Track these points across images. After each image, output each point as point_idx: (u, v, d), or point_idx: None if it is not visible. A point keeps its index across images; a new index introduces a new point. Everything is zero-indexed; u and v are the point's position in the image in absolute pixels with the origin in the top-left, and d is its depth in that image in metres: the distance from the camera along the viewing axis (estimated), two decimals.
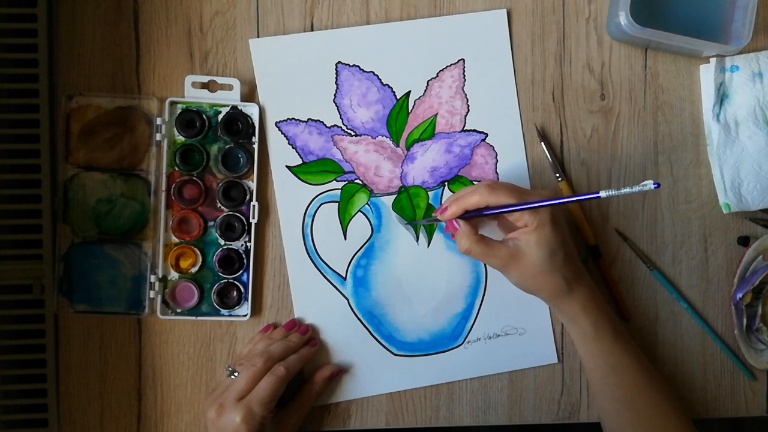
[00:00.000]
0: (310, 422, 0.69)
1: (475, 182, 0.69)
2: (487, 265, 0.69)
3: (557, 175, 0.69)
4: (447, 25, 0.69)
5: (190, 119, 0.67)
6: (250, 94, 0.68)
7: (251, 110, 0.68)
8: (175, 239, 0.67)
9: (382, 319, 0.69)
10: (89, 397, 0.68)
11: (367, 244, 0.69)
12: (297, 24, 0.69)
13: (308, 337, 0.68)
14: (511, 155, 0.69)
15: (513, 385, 0.70)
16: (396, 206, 0.69)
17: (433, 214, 0.63)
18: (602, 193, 0.54)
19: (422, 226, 0.69)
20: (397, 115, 0.69)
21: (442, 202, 0.65)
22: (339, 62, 0.69)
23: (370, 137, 0.69)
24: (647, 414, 0.63)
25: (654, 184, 0.52)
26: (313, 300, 0.69)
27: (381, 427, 0.70)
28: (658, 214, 0.70)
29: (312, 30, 0.69)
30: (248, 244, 0.68)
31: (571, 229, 0.70)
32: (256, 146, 0.68)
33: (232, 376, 0.63)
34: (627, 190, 0.53)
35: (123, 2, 0.68)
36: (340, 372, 0.68)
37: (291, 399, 0.66)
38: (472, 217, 0.61)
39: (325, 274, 0.69)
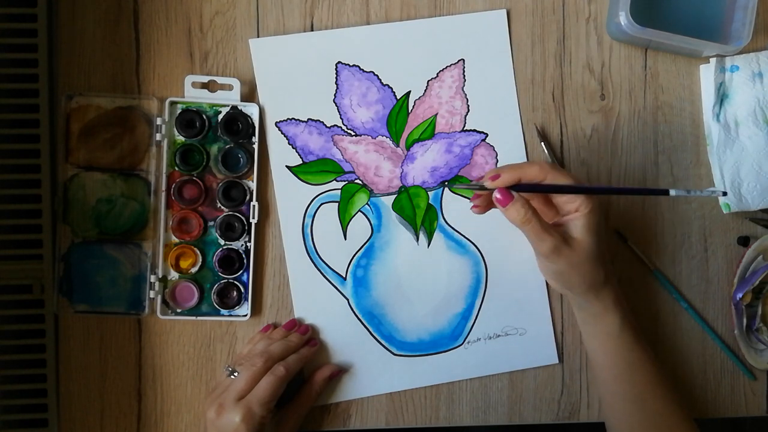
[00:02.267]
0: (310, 422, 0.69)
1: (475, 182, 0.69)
2: (491, 267, 0.69)
3: None
4: (447, 25, 0.69)
5: (190, 119, 0.67)
6: (250, 94, 0.68)
7: (251, 110, 0.68)
8: (175, 239, 0.67)
9: (382, 319, 0.69)
10: (89, 397, 0.68)
11: (367, 244, 0.69)
12: (297, 24, 0.69)
13: (308, 337, 0.68)
14: (511, 155, 0.69)
15: (513, 385, 0.70)
16: (396, 206, 0.69)
17: (480, 180, 0.59)
18: (672, 192, 0.54)
19: (422, 226, 0.69)
20: (397, 115, 0.69)
21: (487, 171, 0.60)
22: (339, 62, 0.69)
23: (370, 137, 0.69)
24: (659, 415, 0.63)
25: (723, 191, 0.52)
26: (313, 300, 0.69)
27: (381, 427, 0.70)
28: (658, 214, 0.70)
29: (312, 30, 0.69)
30: (248, 244, 0.68)
31: None
32: (256, 146, 0.68)
33: (232, 376, 0.63)
34: (697, 192, 0.54)
35: (123, 2, 0.68)
36: (340, 372, 0.68)
37: (291, 399, 0.66)
38: (522, 191, 0.58)
39: (325, 274, 0.69)
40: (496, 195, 0.58)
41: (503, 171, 0.58)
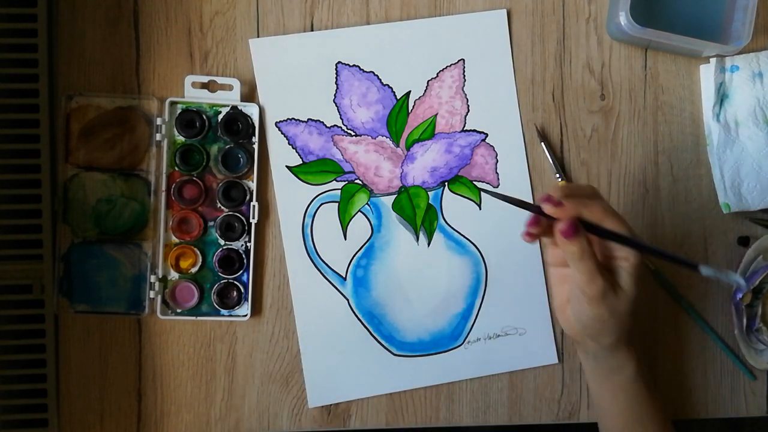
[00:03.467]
0: (310, 422, 0.69)
1: (475, 183, 0.69)
2: (491, 267, 0.69)
3: (557, 175, 0.69)
4: (447, 25, 0.69)
5: (190, 119, 0.67)
6: (250, 94, 0.68)
7: (251, 110, 0.68)
8: (175, 239, 0.67)
9: (382, 319, 0.69)
10: (89, 397, 0.68)
11: (367, 244, 0.69)
12: (297, 24, 0.69)
13: None
14: (511, 155, 0.69)
15: (513, 385, 0.70)
16: (396, 206, 0.69)
17: (539, 201, 0.52)
18: (702, 269, 0.51)
19: (422, 226, 0.69)
20: (397, 115, 0.69)
21: (543, 194, 0.52)
22: (339, 62, 0.69)
23: (370, 137, 0.69)
24: None
25: (742, 282, 0.52)
26: (313, 300, 0.69)
27: (381, 427, 0.70)
28: (658, 214, 0.70)
29: (312, 30, 0.69)
30: (248, 244, 0.68)
31: None
32: (256, 146, 0.68)
33: None
34: (723, 275, 0.51)
35: (123, 2, 0.68)
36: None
37: None
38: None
39: (325, 274, 0.69)
40: (562, 226, 0.51)
41: (566, 201, 0.52)
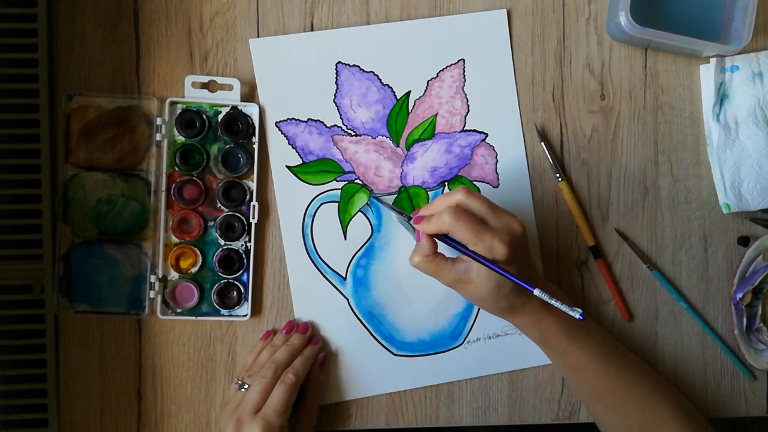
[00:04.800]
0: None
1: (475, 182, 0.69)
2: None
3: (557, 175, 0.69)
4: (447, 25, 0.69)
5: (190, 119, 0.67)
6: (250, 94, 0.68)
7: (251, 110, 0.68)
8: (175, 239, 0.67)
9: (382, 319, 0.69)
10: (89, 397, 0.68)
11: (367, 244, 0.69)
12: (297, 24, 0.69)
13: (309, 335, 0.68)
14: (511, 155, 0.69)
15: (513, 385, 0.70)
16: (396, 206, 0.69)
17: (413, 214, 0.61)
18: (536, 292, 0.56)
19: None
20: (397, 115, 0.69)
21: (421, 209, 0.61)
22: (339, 62, 0.69)
23: (370, 137, 0.69)
24: (620, 404, 0.63)
25: (580, 315, 0.55)
26: (313, 300, 0.69)
27: (381, 427, 0.70)
28: (658, 214, 0.70)
29: (312, 30, 0.69)
30: (248, 244, 0.68)
31: (571, 229, 0.70)
32: (256, 146, 0.68)
33: (243, 389, 0.63)
34: (557, 303, 0.55)
35: (123, 2, 0.68)
36: (329, 354, 0.68)
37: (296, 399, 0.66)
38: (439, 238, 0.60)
39: (325, 274, 0.69)
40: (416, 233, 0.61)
41: (423, 217, 0.59)
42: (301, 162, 0.69)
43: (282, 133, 0.69)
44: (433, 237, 0.60)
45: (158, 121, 0.66)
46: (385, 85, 0.69)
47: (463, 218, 0.57)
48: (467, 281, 0.60)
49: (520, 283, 0.57)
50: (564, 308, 0.55)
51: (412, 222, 0.61)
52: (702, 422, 0.64)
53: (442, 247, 0.60)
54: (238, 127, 0.67)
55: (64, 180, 0.67)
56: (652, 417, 0.63)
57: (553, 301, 0.55)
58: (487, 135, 0.69)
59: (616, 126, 0.70)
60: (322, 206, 0.69)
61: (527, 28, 0.70)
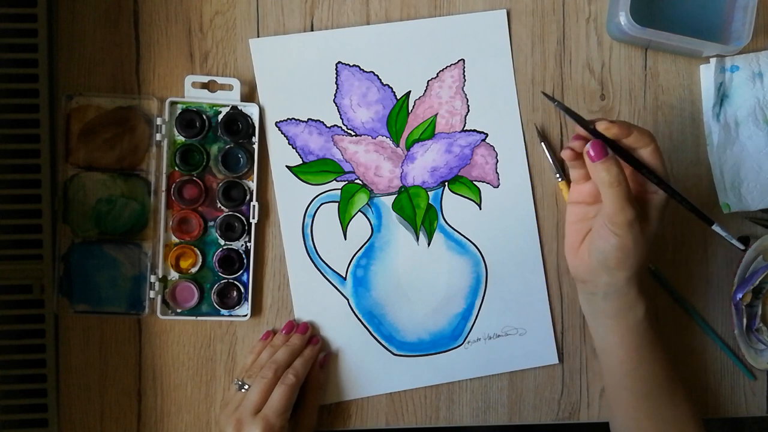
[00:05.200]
0: None
1: (475, 182, 0.69)
2: (491, 267, 0.69)
3: (557, 175, 0.69)
4: (447, 25, 0.69)
5: (190, 119, 0.67)
6: (250, 94, 0.68)
7: (251, 110, 0.68)
8: (175, 239, 0.67)
9: (382, 319, 0.69)
10: (89, 397, 0.68)
11: (367, 244, 0.69)
12: (297, 24, 0.69)
13: (309, 335, 0.68)
14: (511, 155, 0.69)
15: (513, 385, 0.70)
16: (396, 206, 0.69)
17: (595, 122, 0.55)
18: (715, 227, 0.57)
19: (422, 226, 0.69)
20: (397, 115, 0.69)
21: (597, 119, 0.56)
22: (339, 62, 0.69)
23: (370, 137, 0.69)
24: (668, 413, 0.62)
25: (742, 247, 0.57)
26: (313, 300, 0.69)
27: (381, 427, 0.70)
28: None
29: (312, 30, 0.69)
30: (248, 244, 0.68)
31: None
32: (256, 146, 0.68)
33: (243, 390, 0.63)
34: (731, 239, 0.57)
35: (123, 2, 0.68)
36: (330, 354, 0.68)
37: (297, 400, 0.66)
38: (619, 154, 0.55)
39: (325, 274, 0.69)
40: (589, 149, 0.54)
41: (617, 124, 0.54)
42: (301, 162, 0.69)
43: (282, 133, 0.69)
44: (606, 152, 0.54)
45: (158, 121, 0.66)
46: (385, 85, 0.69)
47: (660, 151, 0.55)
48: (645, 221, 0.56)
49: (696, 208, 0.55)
50: (732, 239, 0.56)
51: (600, 125, 0.54)
52: None
53: None
54: (238, 127, 0.67)
55: (64, 180, 0.67)
56: None
57: (730, 238, 0.55)
58: (487, 135, 0.69)
59: None
60: (322, 206, 0.69)
61: (527, 28, 0.70)
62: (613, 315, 0.61)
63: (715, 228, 0.56)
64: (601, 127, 0.55)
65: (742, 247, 0.56)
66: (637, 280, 0.59)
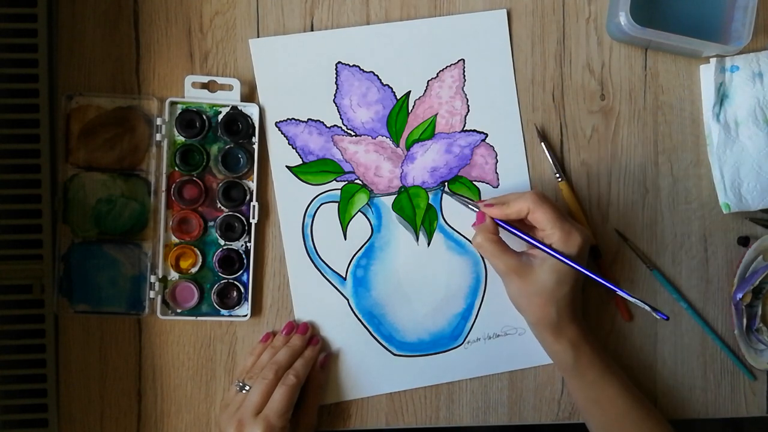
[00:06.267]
0: None
1: (475, 183, 0.69)
2: (490, 267, 0.69)
3: (557, 175, 0.69)
4: (447, 25, 0.69)
5: (190, 119, 0.67)
6: (250, 94, 0.68)
7: (251, 110, 0.68)
8: (175, 239, 0.67)
9: (382, 319, 0.69)
10: (89, 397, 0.68)
11: (367, 244, 0.69)
12: (297, 24, 0.69)
13: (309, 336, 0.68)
14: (511, 155, 0.69)
15: (513, 385, 0.70)
16: (396, 206, 0.69)
17: (479, 203, 0.64)
18: (622, 293, 0.59)
19: (422, 226, 0.69)
20: (397, 115, 0.69)
21: (485, 199, 0.65)
22: (339, 62, 0.69)
23: (370, 137, 0.69)
24: None
25: (664, 316, 0.58)
26: (313, 300, 0.69)
27: (381, 427, 0.70)
28: (658, 214, 0.70)
29: (312, 30, 0.69)
30: (248, 244, 0.68)
31: None
32: (256, 146, 0.68)
33: (243, 391, 0.63)
34: (641, 303, 0.59)
35: (123, 2, 0.68)
36: (330, 354, 0.68)
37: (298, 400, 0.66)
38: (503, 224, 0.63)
39: (325, 274, 0.69)
40: (477, 217, 0.64)
41: (496, 203, 0.62)
42: (301, 162, 0.69)
43: (282, 133, 0.69)
44: (495, 222, 0.62)
45: (158, 121, 0.66)
46: (385, 85, 0.69)
47: (546, 203, 0.60)
48: (527, 272, 0.60)
49: (597, 278, 0.58)
50: (648, 308, 0.57)
51: (482, 207, 0.63)
52: None
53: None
54: (238, 127, 0.67)
55: (64, 180, 0.67)
56: None
57: (637, 301, 0.57)
58: (487, 135, 0.69)
59: (616, 126, 0.70)
60: (322, 206, 0.69)
61: (527, 28, 0.70)
62: (550, 355, 0.65)
63: (623, 293, 0.59)
64: (484, 209, 0.63)
65: (665, 317, 0.59)
66: (554, 332, 0.62)
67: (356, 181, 0.69)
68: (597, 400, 0.64)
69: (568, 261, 0.59)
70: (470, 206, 0.65)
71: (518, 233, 0.62)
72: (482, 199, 0.67)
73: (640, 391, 0.66)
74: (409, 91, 0.69)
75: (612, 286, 0.60)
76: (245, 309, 0.68)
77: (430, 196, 0.69)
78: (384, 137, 0.69)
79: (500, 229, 0.63)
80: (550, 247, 0.60)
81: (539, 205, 0.60)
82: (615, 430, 0.64)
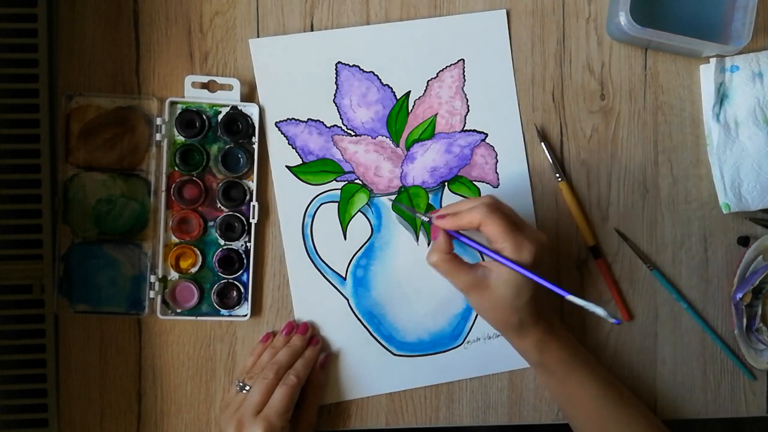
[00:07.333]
0: None
1: (475, 183, 0.69)
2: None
3: (557, 175, 0.69)
4: (447, 25, 0.69)
5: (190, 119, 0.67)
6: (250, 94, 0.68)
7: (251, 110, 0.68)
8: (175, 239, 0.67)
9: (382, 319, 0.69)
10: (89, 397, 0.68)
11: (367, 244, 0.69)
12: (297, 24, 0.69)
13: (309, 336, 0.68)
14: (511, 155, 0.69)
15: (513, 385, 0.70)
16: (396, 207, 0.69)
17: (431, 215, 0.61)
18: (569, 297, 0.56)
19: (422, 226, 0.69)
20: (397, 115, 0.69)
21: (442, 206, 0.63)
22: (339, 62, 0.69)
23: (370, 137, 0.69)
24: None
25: (616, 320, 0.56)
26: (313, 300, 0.69)
27: (381, 427, 0.70)
28: (658, 214, 0.70)
29: (312, 30, 0.69)
30: (248, 244, 0.68)
31: (571, 229, 0.70)
32: (256, 146, 0.68)
33: (244, 391, 0.63)
34: (592, 307, 0.55)
35: (123, 2, 0.68)
36: (330, 355, 0.68)
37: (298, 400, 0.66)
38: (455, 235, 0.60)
39: (325, 274, 0.69)
40: (432, 232, 0.62)
41: (447, 215, 0.60)
42: (301, 162, 0.69)
43: (282, 133, 0.69)
44: (451, 237, 0.59)
45: (158, 121, 0.66)
46: (384, 85, 0.69)
47: (497, 214, 0.58)
48: (484, 287, 0.59)
49: (549, 285, 0.56)
50: (600, 312, 0.55)
51: (434, 219, 0.60)
52: None
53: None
54: (238, 127, 0.67)
55: (64, 180, 0.67)
56: None
57: (589, 305, 0.55)
58: (487, 135, 0.69)
59: (616, 126, 0.70)
60: (322, 206, 0.69)
61: (527, 28, 0.70)
62: (523, 357, 0.65)
63: (569, 297, 0.56)
64: (436, 222, 0.60)
65: (613, 319, 0.56)
66: (515, 334, 0.62)
67: (356, 181, 0.69)
68: (569, 397, 0.64)
69: (521, 270, 0.57)
70: (422, 218, 0.62)
71: (471, 243, 0.59)
72: (436, 209, 0.65)
73: (618, 380, 0.66)
74: (409, 91, 0.69)
75: (561, 292, 0.57)
76: (245, 309, 0.68)
77: (430, 196, 0.69)
78: (384, 137, 0.69)
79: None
80: (503, 257, 0.58)
81: (489, 216, 0.57)
82: (592, 426, 0.64)
